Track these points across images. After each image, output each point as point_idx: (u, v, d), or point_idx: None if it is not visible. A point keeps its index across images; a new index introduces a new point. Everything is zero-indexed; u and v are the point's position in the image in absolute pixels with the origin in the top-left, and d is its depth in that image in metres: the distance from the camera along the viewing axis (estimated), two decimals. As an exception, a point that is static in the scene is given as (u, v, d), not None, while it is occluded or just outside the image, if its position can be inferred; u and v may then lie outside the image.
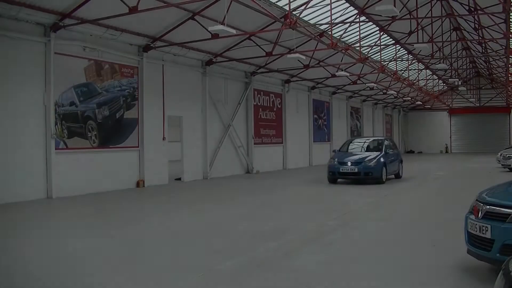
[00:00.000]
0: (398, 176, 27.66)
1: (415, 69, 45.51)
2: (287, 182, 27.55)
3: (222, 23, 20.44)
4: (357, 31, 30.11)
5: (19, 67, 19.05)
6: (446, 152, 70.78)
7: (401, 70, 43.21)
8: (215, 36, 22.93)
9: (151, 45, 24.54)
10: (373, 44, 33.56)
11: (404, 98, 57.79)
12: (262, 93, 35.74)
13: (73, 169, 20.95)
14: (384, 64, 37.49)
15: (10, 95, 18.68)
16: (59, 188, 20.11)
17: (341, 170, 24.54)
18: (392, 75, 39.37)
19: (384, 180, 24.53)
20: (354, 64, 34.50)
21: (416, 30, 29.96)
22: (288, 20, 21.86)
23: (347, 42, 32.91)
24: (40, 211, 17.26)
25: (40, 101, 19.82)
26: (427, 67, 45.06)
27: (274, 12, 23.19)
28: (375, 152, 25.67)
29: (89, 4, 19.37)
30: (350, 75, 38.22)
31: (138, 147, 24.31)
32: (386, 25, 30.73)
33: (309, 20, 27.97)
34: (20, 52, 19.11)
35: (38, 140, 19.76)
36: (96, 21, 20.68)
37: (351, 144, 28.12)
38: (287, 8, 22.30)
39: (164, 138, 26.02)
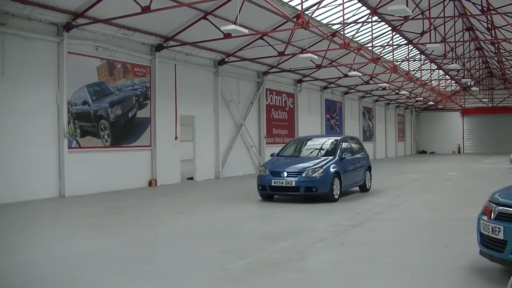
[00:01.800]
0: (364, 188, 21.02)
1: (427, 69, 45.36)
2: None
3: (234, 23, 20.46)
4: (370, 31, 30.07)
5: (32, 67, 19.14)
6: (459, 152, 70.47)
7: (414, 70, 43.09)
8: (227, 35, 22.95)
9: (164, 44, 24.58)
10: (385, 44, 33.49)
11: (416, 98, 57.63)
12: (274, 92, 35.72)
13: (85, 168, 21.02)
14: (396, 64, 37.42)
15: (23, 94, 18.77)
16: (71, 186, 20.18)
17: (273, 184, 17.80)
18: (404, 75, 39.29)
19: (336, 197, 17.86)
20: (367, 64, 34.44)
21: (428, 30, 29.85)
22: (300, 19, 21.83)
23: (359, 42, 32.88)
24: (52, 210, 17.35)
25: (53, 100, 19.90)
26: (439, 67, 44.90)
27: (287, 12, 23.17)
28: (324, 158, 18.76)
29: (101, 4, 19.43)
30: (362, 75, 38.19)
31: (150, 146, 24.35)
32: (399, 25, 30.66)
33: (321, 20, 27.95)
34: (33, 52, 19.20)
35: (51, 139, 19.84)
36: (109, 21, 20.74)
37: (295, 146, 21.00)
38: (299, 7, 22.28)
39: (176, 138, 26.05)
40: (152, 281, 8.28)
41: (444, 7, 28.67)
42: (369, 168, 21.66)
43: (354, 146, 21.38)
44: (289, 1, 24.63)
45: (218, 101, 29.38)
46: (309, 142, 21.30)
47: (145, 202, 19.14)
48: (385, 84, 42.53)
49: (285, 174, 17.81)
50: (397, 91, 49.52)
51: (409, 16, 23.53)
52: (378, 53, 35.17)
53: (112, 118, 22.33)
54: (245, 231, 12.86)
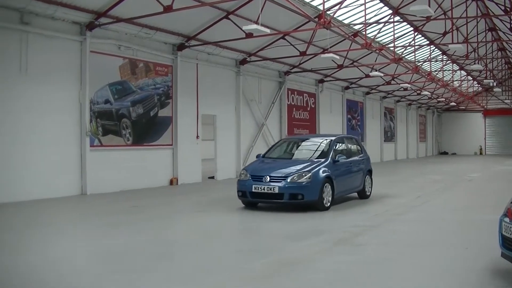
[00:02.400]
0: (363, 195, 18.88)
1: (449, 70, 45.16)
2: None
3: (256, 23, 20.47)
4: (391, 31, 29.98)
5: (55, 65, 19.28)
6: (480, 154, 70.06)
7: (436, 70, 42.91)
8: (249, 35, 22.98)
9: (185, 44, 24.65)
10: (407, 44, 33.37)
11: (438, 99, 57.30)
12: (295, 92, 35.71)
13: (107, 166, 21.13)
14: (418, 64, 37.22)
15: (46, 92, 18.92)
16: (93, 185, 20.30)
17: (253, 190, 15.68)
18: (426, 76, 39.10)
19: (327, 205, 15.85)
20: (388, 64, 34.37)
21: (451, 30, 29.73)
22: (322, 19, 21.79)
23: (381, 42, 32.78)
24: (74, 208, 17.47)
25: (75, 98, 20.03)
26: (461, 68, 44.69)
27: (308, 12, 23.12)
28: (314, 161, 16.63)
29: (124, 3, 19.52)
30: (384, 76, 38.07)
31: (172, 145, 24.43)
32: (421, 25, 30.51)
33: (343, 20, 27.93)
34: (56, 51, 19.35)
35: (73, 137, 19.98)
36: (131, 20, 20.83)
37: (283, 147, 19.01)
38: (321, 7, 22.30)
39: (197, 137, 26.12)
40: (174, 280, 8.33)
41: (466, 7, 28.48)
42: (370, 172, 19.43)
43: (352, 147, 19.35)
44: (311, 1, 24.63)
45: (240, 101, 29.43)
46: (299, 143, 19.06)
47: (166, 200, 19.21)
48: (406, 84, 42.34)
49: (268, 179, 15.61)
50: (418, 91, 49.32)
51: (431, 16, 23.39)
52: (400, 54, 35.09)
53: (134, 116, 22.43)
54: (272, 230, 12.87)
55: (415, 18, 26.89)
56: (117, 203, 18.01)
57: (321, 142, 18.26)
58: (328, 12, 24.25)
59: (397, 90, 49.02)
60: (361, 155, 19.45)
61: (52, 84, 19.15)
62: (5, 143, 17.60)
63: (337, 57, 28.63)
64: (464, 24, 31.52)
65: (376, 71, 35.58)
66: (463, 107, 68.88)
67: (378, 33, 29.37)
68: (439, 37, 32.66)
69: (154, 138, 23.60)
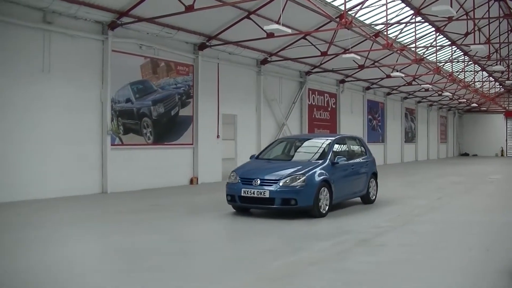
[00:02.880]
0: (366, 200, 17.66)
1: (471, 71, 44.92)
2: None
3: (277, 22, 20.49)
4: (413, 32, 29.90)
5: (77, 64, 19.42)
6: (502, 155, 69.67)
7: (457, 71, 42.72)
8: (270, 35, 23.00)
9: (207, 43, 24.70)
10: (428, 45, 33.26)
11: (459, 100, 56.96)
12: (316, 92, 35.69)
13: (128, 165, 21.25)
14: (439, 65, 37.09)
15: (68, 91, 19.07)
16: (113, 183, 20.42)
17: (243, 194, 14.45)
18: (447, 77, 38.94)
19: (323, 211, 14.56)
20: (409, 65, 34.28)
21: (473, 31, 29.57)
22: (343, 19, 21.77)
23: (402, 42, 32.69)
24: (95, 206, 17.54)
25: (97, 97, 20.16)
26: (483, 69, 44.42)
27: (330, 12, 23.11)
28: (311, 163, 15.34)
29: (146, 3, 19.61)
30: (405, 76, 37.92)
31: (192, 144, 24.50)
32: (442, 26, 30.37)
33: (364, 20, 27.88)
34: (79, 50, 19.48)
35: (94, 136, 20.10)
36: (153, 20, 20.91)
37: (278, 147, 17.58)
38: (342, 7, 22.29)
39: (218, 136, 26.17)
40: (194, 279, 8.36)
41: (489, 7, 28.34)
42: (374, 175, 18.17)
43: (355, 148, 17.99)
44: (332, 1, 24.62)
45: (260, 101, 29.45)
46: (297, 143, 17.59)
47: (186, 200, 19.25)
48: (428, 85, 42.16)
49: (258, 182, 14.35)
50: (440, 92, 49.06)
51: (453, 16, 23.30)
52: (421, 54, 34.96)
53: (154, 116, 22.52)
54: (292, 229, 12.89)
55: (436, 18, 26.76)
56: (136, 202, 18.09)
57: (320, 143, 16.99)
58: (350, 12, 24.22)
59: (418, 91, 48.83)
60: (365, 156, 18.08)
61: (74, 83, 19.29)
62: (28, 141, 17.74)
63: (358, 57, 28.59)
64: (486, 25, 31.35)
65: (397, 71, 35.45)
66: (485, 109, 68.54)
67: (400, 33, 29.25)
68: (461, 38, 32.51)
69: (175, 137, 23.68)
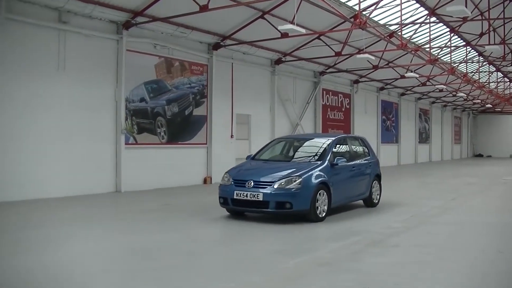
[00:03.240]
0: (370, 203, 16.90)
1: (485, 71, 44.72)
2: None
3: (292, 22, 20.51)
4: (427, 32, 29.81)
5: (92, 64, 19.53)
6: (516, 156, 69.48)
7: (472, 72, 42.56)
8: (284, 35, 23.02)
9: (221, 43, 24.75)
10: (443, 45, 33.17)
11: (473, 101, 56.76)
12: (330, 93, 35.68)
13: (141, 164, 21.31)
14: (454, 66, 36.98)
15: (83, 90, 19.19)
16: (127, 182, 20.49)
17: (235, 196, 13.72)
18: (462, 77, 38.79)
19: (321, 215, 13.80)
20: (424, 65, 34.23)
21: (487, 31, 29.47)
22: (357, 20, 21.77)
23: (417, 43, 32.61)
24: (109, 205, 17.67)
25: (111, 96, 20.25)
26: (498, 70, 44.21)
27: (344, 12, 23.10)
28: (308, 164, 14.61)
29: (160, 2, 19.69)
30: (419, 77, 37.81)
31: (206, 144, 24.54)
32: (457, 26, 30.25)
33: (379, 20, 27.84)
34: (93, 49, 19.59)
35: (108, 135, 20.19)
36: (167, 19, 20.98)
37: (275, 148, 16.85)
38: (356, 8, 22.24)
39: (232, 136, 26.21)
40: (206, 278, 8.39)
41: (504, 8, 28.21)
42: (378, 177, 17.49)
43: (357, 149, 17.27)
44: (346, 1, 24.60)
45: (274, 100, 29.46)
46: (295, 143, 16.82)
47: (199, 199, 19.24)
48: (442, 86, 42.03)
49: (251, 184, 13.60)
50: (454, 93, 48.92)
51: (468, 17, 23.25)
52: (436, 55, 34.87)
53: (169, 115, 22.57)
54: (305, 230, 12.89)
55: (451, 18, 26.70)
56: (150, 201, 18.13)
57: (319, 143, 16.15)
58: (364, 13, 24.19)
59: (433, 91, 48.67)
60: (368, 157, 17.31)
61: (89, 82, 19.39)
62: (42, 140, 17.87)
63: (373, 57, 28.59)
64: (502, 25, 31.19)
65: (412, 72, 35.38)
66: (499, 109, 68.24)
67: (414, 33, 29.18)
68: (476, 38, 32.35)
69: (189, 137, 23.73)
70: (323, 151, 15.19)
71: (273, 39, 24.11)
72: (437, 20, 28.71)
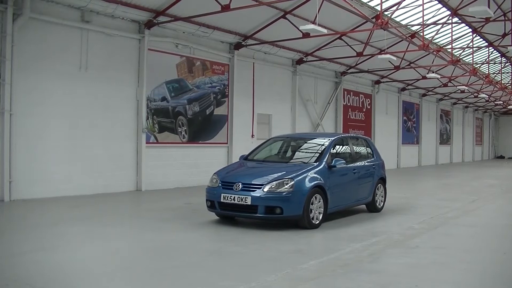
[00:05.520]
0: (373, 207, 15.90)
1: (508, 73, 44.48)
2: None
3: (313, 23, 20.48)
4: (449, 33, 29.68)
5: (114, 63, 19.65)
6: (539, 158, 69.01)
7: (494, 73, 42.32)
8: (306, 35, 23.01)
9: (242, 43, 24.79)
10: (465, 46, 33.01)
11: (495, 102, 56.37)
12: (351, 93, 35.63)
13: (162, 163, 21.41)
14: (476, 66, 36.78)
15: (105, 89, 19.33)
16: (148, 181, 20.60)
17: (222, 200, 12.81)
18: (484, 78, 38.56)
19: (316, 222, 12.85)
20: (445, 66, 34.07)
21: (510, 32, 29.31)
22: (379, 20, 21.74)
23: (438, 43, 32.48)
24: (131, 203, 17.81)
25: (133, 95, 20.34)
26: (521, 71, 44.04)
27: (366, 12, 23.08)
28: (303, 166, 13.58)
29: (182, 2, 19.76)
30: (441, 77, 37.64)
31: (226, 143, 24.59)
32: (479, 27, 30.08)
33: (400, 20, 27.75)
34: (115, 48, 19.71)
35: (130, 134, 20.30)
36: (189, 19, 21.04)
37: (270, 147, 15.98)
38: (378, 8, 22.18)
39: (253, 136, 26.24)
40: (226, 277, 8.41)
41: (528, 9, 28.11)
42: (383, 181, 16.42)
43: (360, 150, 16.24)
44: (368, 2, 24.54)
45: (296, 101, 29.47)
46: (292, 143, 15.76)
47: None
48: (464, 87, 41.78)
49: (240, 186, 12.69)
50: (476, 94, 48.62)
51: (490, 17, 23.13)
52: (458, 55, 34.70)
53: (190, 114, 22.64)
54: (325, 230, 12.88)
55: (474, 19, 26.57)
56: (170, 200, 18.18)
57: (317, 143, 14.97)
58: (386, 13, 24.13)
59: (454, 92, 48.40)
60: (372, 159, 16.22)
61: (111, 81, 19.51)
62: (64, 138, 18.02)
63: (394, 58, 28.51)
64: (525, 26, 31.07)
65: (433, 73, 35.16)
66: (522, 111, 67.90)
67: (436, 34, 29.06)
68: (498, 39, 32.18)
69: (210, 136, 23.79)
70: (320, 152, 14.13)
71: (295, 39, 24.12)
72: (460, 21, 28.56)
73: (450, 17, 27.77)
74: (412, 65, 35.01)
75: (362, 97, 37.12)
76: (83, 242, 10.84)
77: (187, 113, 22.53)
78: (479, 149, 65.90)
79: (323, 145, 14.44)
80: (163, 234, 11.85)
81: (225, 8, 19.12)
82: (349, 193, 14.69)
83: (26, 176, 16.83)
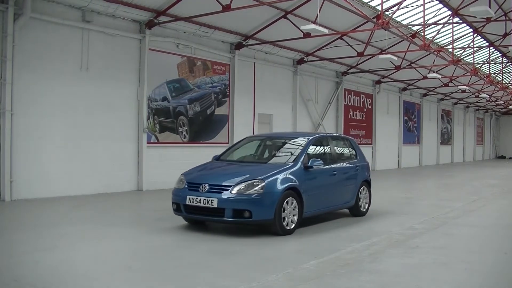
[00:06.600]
0: (356, 211, 14.93)
1: (509, 73, 44.48)
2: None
3: (314, 22, 20.49)
4: (450, 33, 29.67)
5: (115, 63, 19.67)
6: (540, 158, 68.99)
7: (495, 73, 42.31)
8: (306, 35, 23.01)
9: (243, 43, 24.80)
10: (466, 46, 33.01)
11: (496, 102, 56.40)
12: (352, 93, 35.63)
13: (163, 163, 21.41)
14: (477, 66, 36.76)
15: (106, 89, 19.36)
16: (149, 181, 20.63)
17: (188, 202, 11.85)
18: (485, 78, 38.55)
19: (289, 227, 11.87)
20: (446, 66, 34.06)
21: (511, 32, 29.30)
22: (380, 20, 21.75)
23: (439, 43, 32.49)
24: (132, 203, 17.79)
25: (134, 95, 20.36)
26: (522, 71, 44.03)
27: (366, 12, 23.09)
28: (276, 166, 12.62)
29: (183, 2, 19.78)
30: (441, 77, 37.65)
31: (228, 143, 24.52)
32: (480, 27, 30.08)
33: (401, 20, 27.78)
34: (116, 48, 19.74)
35: (131, 134, 20.33)
36: (190, 19, 21.06)
37: (245, 146, 14.99)
38: (379, 8, 22.21)
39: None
40: (228, 277, 8.42)
41: (529, 8, 28.11)
42: (367, 183, 15.50)
43: (342, 150, 15.41)
44: (369, 1, 24.55)
45: (296, 100, 29.49)
46: (268, 143, 14.83)
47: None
48: (464, 87, 41.75)
49: (206, 187, 11.75)
50: (476, 94, 48.57)
51: (491, 17, 23.13)
52: (459, 55, 34.70)
53: (191, 114, 22.65)
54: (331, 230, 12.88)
55: (474, 19, 26.56)
56: (171, 200, 18.17)
57: (294, 143, 14.00)
58: (387, 13, 24.17)
59: (455, 92, 48.40)
60: (355, 160, 15.35)
61: (112, 81, 19.54)
62: (64, 138, 18.05)
63: (395, 58, 28.53)
64: (526, 26, 31.07)
65: (434, 72, 35.17)
66: (523, 111, 67.89)
67: (437, 34, 29.05)
68: (499, 39, 32.19)
69: (210, 136, 23.80)
70: (296, 152, 13.22)
71: (296, 39, 24.13)
72: (460, 21, 28.56)
73: (451, 17, 27.76)
74: (413, 65, 35.03)
75: (363, 97, 37.12)
76: (83, 242, 10.84)
77: (188, 113, 22.54)
78: (480, 149, 65.91)
79: (300, 145, 13.56)
80: (164, 234, 11.83)
81: (226, 8, 19.14)
82: (328, 196, 13.71)
83: (27, 176, 16.87)
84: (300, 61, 29.43)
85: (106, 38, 19.31)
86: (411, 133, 45.37)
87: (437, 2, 26.13)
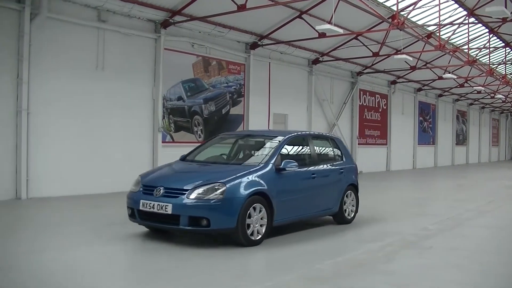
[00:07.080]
0: (340, 219, 13.44)
1: (525, 73, 44.29)
2: (394, 184, 27.28)
3: (329, 22, 20.50)
4: (466, 33, 29.57)
5: (130, 62, 19.72)
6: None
7: (511, 73, 42.09)
8: (322, 35, 23.01)
9: (258, 42, 24.80)
10: (482, 46, 32.88)
11: (512, 103, 56.28)
12: (367, 93, 35.54)
13: (178, 162, 21.43)
14: (492, 67, 36.61)
15: (121, 89, 19.41)
16: (164, 180, 20.62)
17: (141, 207, 10.47)
18: (500, 79, 38.39)
19: (255, 238, 10.47)
20: (462, 66, 33.94)
21: (528, 32, 29.20)
22: (395, 20, 21.69)
23: (455, 44, 32.38)
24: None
25: (149, 95, 20.41)
26: (538, 71, 43.79)
27: (382, 12, 23.05)
28: (241, 168, 11.20)
29: (198, 2, 19.80)
30: (457, 78, 37.53)
31: (242, 143, 24.59)
32: (496, 27, 29.96)
33: (417, 20, 27.70)
34: (132, 48, 19.78)
35: (146, 133, 20.37)
36: (205, 18, 21.08)
37: (215, 145, 13.58)
38: (394, 8, 22.19)
39: (268, 135, 26.17)
40: (241, 278, 8.42)
41: (545, 9, 27.94)
42: (353, 187, 13.94)
43: (325, 150, 13.85)
44: (384, 2, 24.52)
45: (312, 100, 29.46)
46: (239, 142, 13.41)
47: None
48: (480, 87, 41.58)
49: (161, 191, 10.40)
50: (492, 94, 48.38)
51: (507, 17, 23.04)
52: (474, 56, 34.56)
53: (206, 114, 22.69)
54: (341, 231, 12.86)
55: (490, 19, 26.46)
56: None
57: (268, 142, 12.56)
58: (402, 13, 24.09)
59: (470, 93, 48.18)
60: (339, 162, 13.80)
61: (127, 80, 19.58)
62: (79, 137, 18.10)
63: (410, 58, 28.48)
64: (542, 27, 30.92)
65: (449, 73, 35.04)
66: (539, 112, 67.56)
67: (452, 34, 28.95)
68: (516, 40, 32.09)
69: (225, 136, 23.79)
70: (267, 152, 11.82)
71: (311, 39, 24.12)
72: (476, 21, 28.46)
73: (467, 17, 27.67)
74: (428, 65, 34.92)
75: (378, 97, 37.03)
76: (97, 242, 10.84)
77: (203, 113, 22.58)
78: (496, 150, 65.60)
79: (273, 144, 12.13)
80: (173, 235, 11.74)
81: (241, 8, 19.15)
82: (306, 202, 12.23)
83: (43, 175, 16.96)
84: (315, 61, 29.41)
85: (121, 37, 19.37)
86: (426, 133, 45.22)
87: (453, 2, 26.05)
